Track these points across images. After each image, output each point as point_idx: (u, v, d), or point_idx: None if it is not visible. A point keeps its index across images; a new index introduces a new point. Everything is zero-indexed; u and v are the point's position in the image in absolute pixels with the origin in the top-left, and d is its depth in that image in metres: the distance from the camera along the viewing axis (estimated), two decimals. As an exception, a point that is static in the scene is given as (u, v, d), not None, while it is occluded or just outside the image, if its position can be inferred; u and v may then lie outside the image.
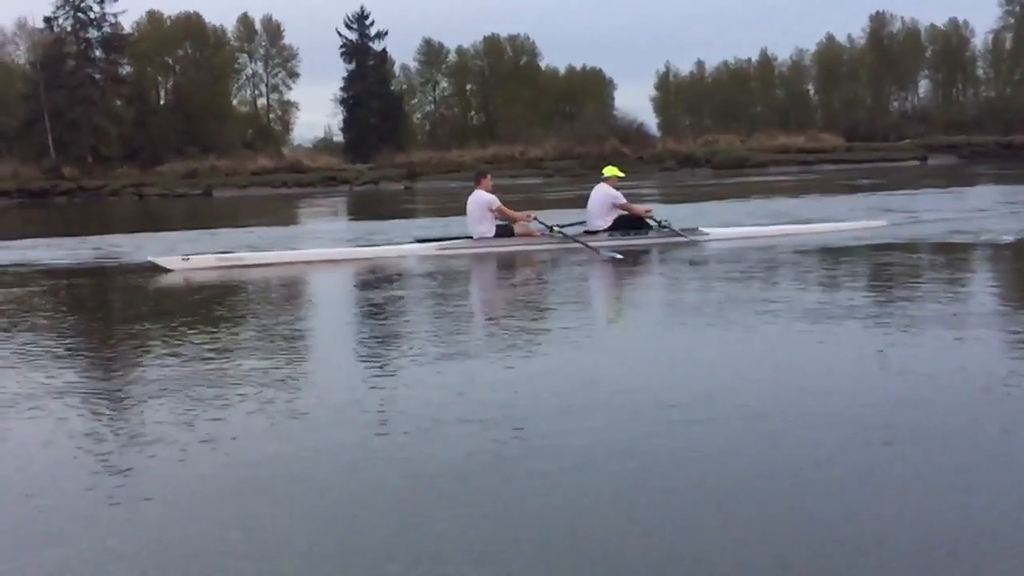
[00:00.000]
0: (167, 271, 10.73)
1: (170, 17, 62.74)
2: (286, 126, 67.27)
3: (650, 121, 66.75)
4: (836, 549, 2.74)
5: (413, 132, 66.81)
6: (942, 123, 60.88)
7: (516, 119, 63.23)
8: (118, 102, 54.34)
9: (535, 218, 11.96)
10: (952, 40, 69.60)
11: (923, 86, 71.51)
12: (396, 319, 7.34)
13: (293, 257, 11.80)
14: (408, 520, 3.02)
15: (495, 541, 2.86)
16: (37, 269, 12.17)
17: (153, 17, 61.93)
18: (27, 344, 6.47)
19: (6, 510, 3.35)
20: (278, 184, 48.96)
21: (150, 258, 11.34)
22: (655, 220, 11.87)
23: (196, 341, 6.27)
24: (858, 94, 70.54)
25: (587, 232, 11.78)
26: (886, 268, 8.96)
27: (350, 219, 25.14)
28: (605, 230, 11.74)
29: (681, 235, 11.79)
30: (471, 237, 11.72)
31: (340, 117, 63.84)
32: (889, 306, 6.68)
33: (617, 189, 12.01)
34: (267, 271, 10.63)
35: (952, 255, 10.29)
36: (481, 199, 11.62)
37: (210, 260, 11.29)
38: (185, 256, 11.29)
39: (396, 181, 50.18)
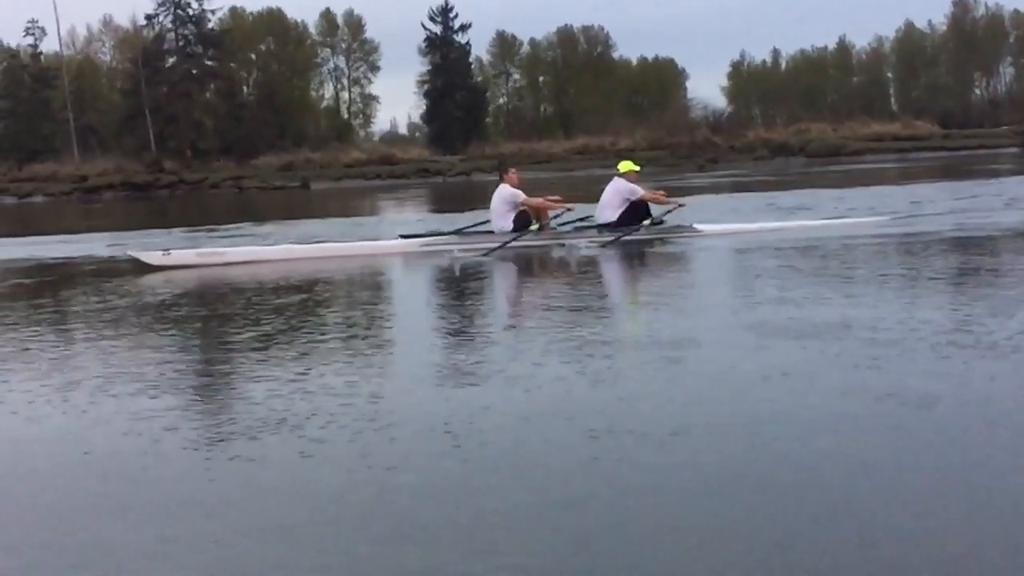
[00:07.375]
0: (148, 266, 10.48)
1: (252, 14, 63.93)
2: (367, 119, 68.26)
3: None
4: None
5: (487, 124, 67.28)
6: (1030, 109, 59.91)
7: (593, 110, 63.35)
8: (207, 95, 55.37)
9: (569, 208, 11.80)
10: (1036, 25, 68.63)
11: (1008, 72, 70.62)
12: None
13: (273, 254, 11.42)
14: None
15: None
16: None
17: (235, 13, 63.03)
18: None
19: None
20: (371, 176, 49.65)
21: (130, 253, 11.13)
22: (652, 217, 11.58)
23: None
24: (939, 80, 69.77)
25: (597, 226, 11.60)
26: (861, 264, 8.89)
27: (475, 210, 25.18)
28: (609, 224, 11.46)
29: (674, 231, 11.58)
30: (457, 232, 11.78)
31: (420, 109, 64.62)
32: None
33: (634, 183, 11.64)
34: (249, 268, 10.38)
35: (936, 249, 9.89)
36: (504, 193, 11.39)
37: (191, 256, 11.01)
38: (166, 251, 10.95)
39: (487, 172, 50.70)
